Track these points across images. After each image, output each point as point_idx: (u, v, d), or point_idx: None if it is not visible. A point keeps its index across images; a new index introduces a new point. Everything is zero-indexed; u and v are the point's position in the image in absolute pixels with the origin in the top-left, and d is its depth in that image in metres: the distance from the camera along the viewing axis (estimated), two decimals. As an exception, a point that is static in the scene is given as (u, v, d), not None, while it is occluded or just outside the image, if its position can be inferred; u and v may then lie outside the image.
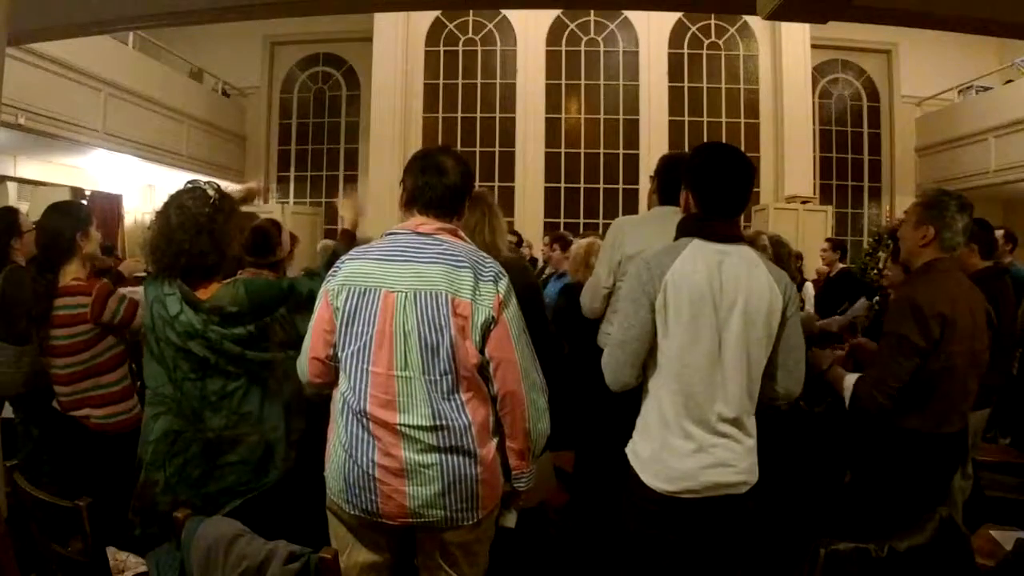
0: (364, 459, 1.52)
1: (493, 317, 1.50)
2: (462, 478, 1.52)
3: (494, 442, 1.58)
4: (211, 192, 1.89)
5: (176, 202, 1.85)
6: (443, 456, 1.51)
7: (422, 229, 1.58)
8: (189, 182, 1.94)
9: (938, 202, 2.09)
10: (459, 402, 1.52)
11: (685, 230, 1.70)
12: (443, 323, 1.49)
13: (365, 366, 1.53)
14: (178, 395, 1.78)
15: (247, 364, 1.80)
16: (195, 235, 1.79)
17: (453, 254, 1.53)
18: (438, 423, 1.50)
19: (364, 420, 1.53)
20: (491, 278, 1.53)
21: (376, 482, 1.52)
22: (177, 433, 1.78)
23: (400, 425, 1.51)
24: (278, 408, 1.87)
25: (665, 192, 2.57)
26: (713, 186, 1.67)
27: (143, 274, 2.80)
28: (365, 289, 1.54)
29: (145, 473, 1.79)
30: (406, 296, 1.50)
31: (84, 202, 2.37)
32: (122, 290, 2.47)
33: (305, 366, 1.64)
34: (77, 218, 2.40)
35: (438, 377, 1.50)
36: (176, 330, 1.76)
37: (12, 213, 3.01)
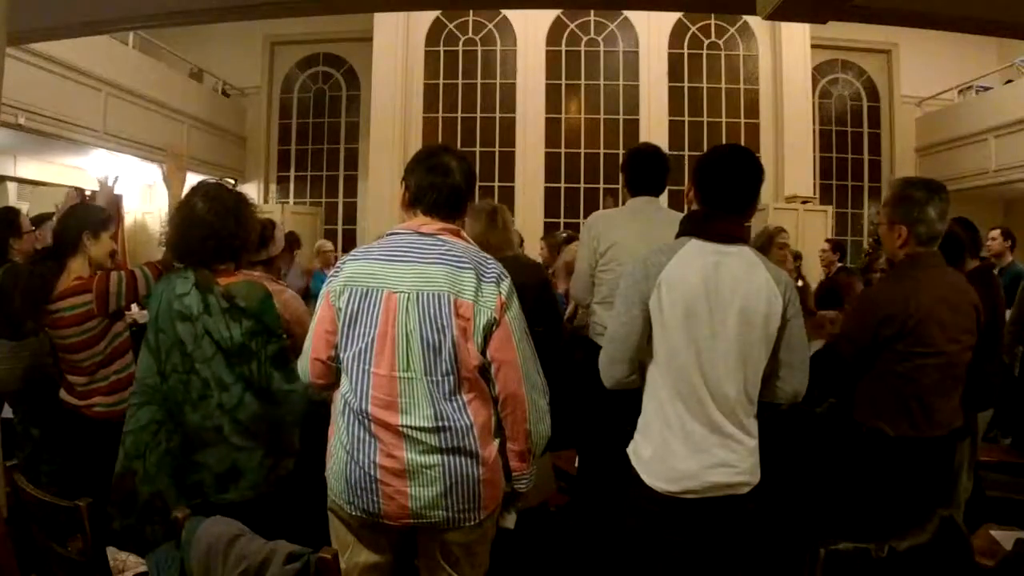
0: (365, 460, 1.52)
1: (495, 319, 1.50)
2: (464, 479, 1.52)
3: (496, 443, 1.58)
4: (230, 185, 2.02)
5: (201, 191, 1.92)
6: (445, 457, 1.51)
7: (424, 229, 1.58)
8: (200, 183, 2.00)
9: (903, 198, 2.03)
10: (461, 403, 1.52)
11: (685, 228, 1.69)
12: (445, 324, 1.49)
13: (367, 367, 1.53)
14: (164, 387, 1.80)
15: (213, 373, 1.79)
16: (223, 217, 1.86)
17: (455, 255, 1.53)
18: (440, 424, 1.50)
19: (365, 421, 1.53)
20: (493, 279, 1.52)
21: (378, 483, 1.52)
22: (160, 423, 1.80)
23: (402, 426, 1.51)
24: (255, 439, 1.84)
25: (633, 184, 2.70)
26: (717, 179, 1.66)
27: None
28: (367, 290, 1.54)
29: (123, 463, 1.81)
30: (408, 297, 1.50)
31: (105, 208, 2.44)
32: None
33: (307, 367, 1.64)
34: (88, 220, 2.48)
35: (440, 378, 1.50)
36: (175, 309, 1.79)
37: (13, 213, 3.04)
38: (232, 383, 1.80)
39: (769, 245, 3.53)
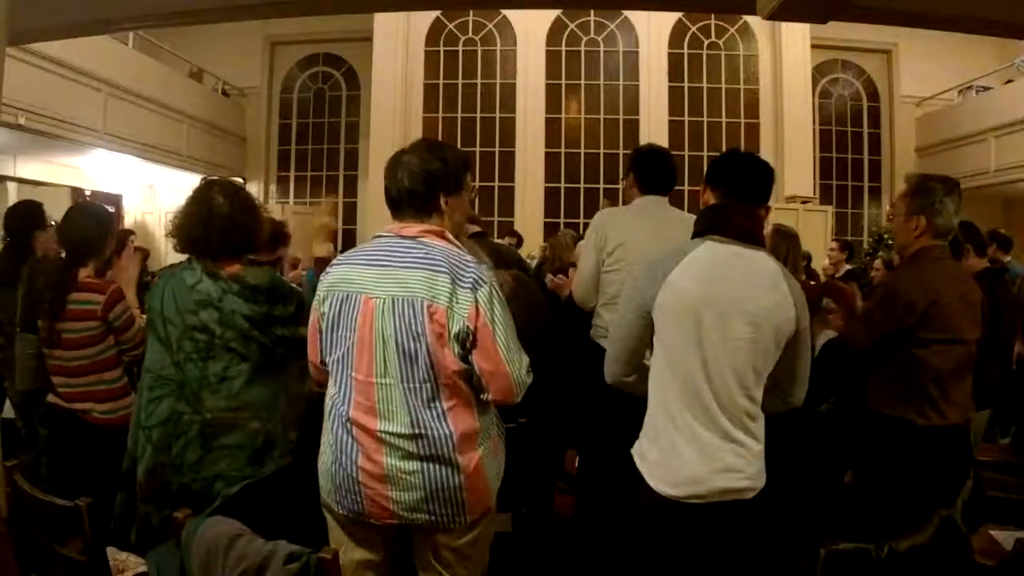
0: (349, 463, 1.53)
1: (468, 328, 1.48)
2: (444, 487, 1.51)
3: (479, 450, 1.55)
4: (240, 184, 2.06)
5: (218, 187, 1.93)
6: (424, 464, 1.50)
7: (405, 232, 1.57)
8: (213, 179, 2.04)
9: (925, 189, 2.09)
10: (440, 410, 1.51)
11: (702, 226, 1.66)
12: (420, 331, 1.48)
13: (349, 372, 1.54)
14: (180, 376, 1.79)
15: (251, 345, 1.80)
16: (243, 213, 1.89)
17: (433, 259, 1.51)
18: (417, 431, 1.50)
19: (348, 425, 1.54)
20: (469, 285, 1.49)
21: (360, 485, 1.52)
22: (179, 415, 1.79)
23: (380, 432, 1.51)
24: (283, 403, 1.88)
25: (645, 182, 2.64)
26: (738, 168, 1.69)
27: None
28: (347, 295, 1.54)
29: (153, 457, 1.79)
30: (384, 303, 1.50)
31: (111, 208, 2.54)
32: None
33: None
34: (108, 223, 2.61)
35: (417, 385, 1.50)
36: (192, 299, 1.79)
37: (39, 207, 3.06)
38: (274, 344, 1.83)
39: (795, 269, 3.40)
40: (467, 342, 1.49)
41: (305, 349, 1.72)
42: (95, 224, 2.53)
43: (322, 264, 2.37)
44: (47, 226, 2.98)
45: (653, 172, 2.64)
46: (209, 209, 1.86)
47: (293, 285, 2.04)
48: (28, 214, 3.00)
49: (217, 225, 1.84)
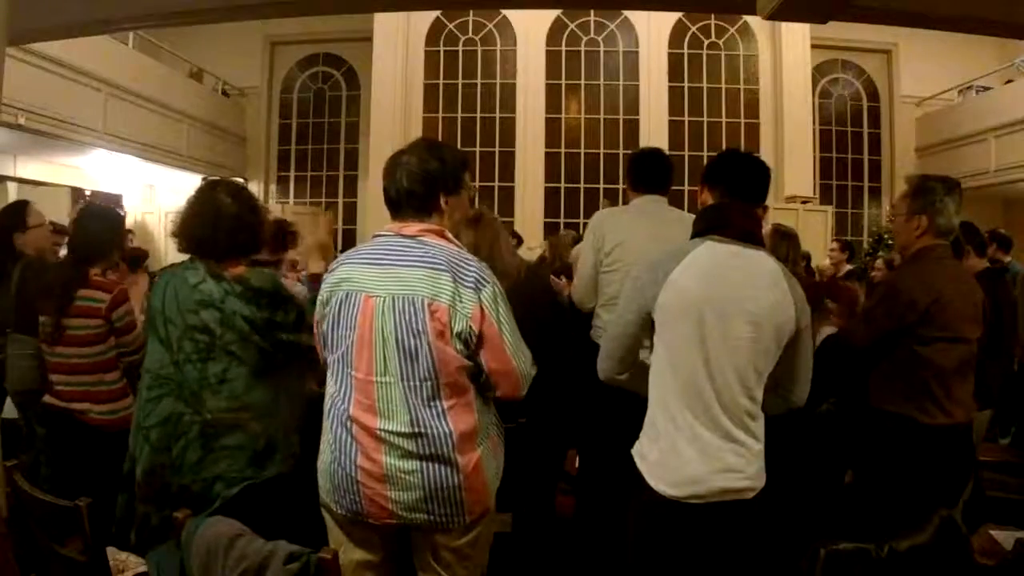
0: (348, 462, 1.53)
1: (472, 328, 1.49)
2: (443, 487, 1.51)
3: (479, 450, 1.56)
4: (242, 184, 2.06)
5: (220, 186, 1.94)
6: (423, 463, 1.50)
7: (405, 231, 1.57)
8: (216, 179, 2.05)
9: (925, 189, 2.10)
10: (440, 409, 1.51)
11: (702, 226, 1.67)
12: (420, 328, 1.48)
13: (349, 370, 1.54)
14: (180, 376, 1.78)
15: (249, 348, 1.79)
16: (250, 213, 1.90)
17: (434, 257, 1.52)
18: (417, 430, 1.50)
19: (348, 424, 1.54)
20: (472, 284, 1.50)
21: (359, 485, 1.52)
22: (179, 415, 1.78)
23: (380, 430, 1.51)
24: (288, 407, 1.88)
25: (642, 181, 2.66)
26: (736, 167, 1.70)
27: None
28: (348, 294, 1.55)
29: (151, 458, 1.78)
30: (384, 301, 1.50)
31: (120, 210, 2.52)
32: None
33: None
34: (118, 227, 2.69)
35: (418, 383, 1.50)
36: (194, 299, 1.78)
37: (20, 207, 3.04)
38: (275, 350, 1.82)
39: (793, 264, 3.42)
40: (470, 341, 1.50)
41: (305, 353, 1.72)
42: (104, 228, 2.55)
43: (317, 279, 2.37)
44: (27, 228, 2.95)
45: (648, 171, 2.65)
46: (216, 209, 1.85)
47: (292, 291, 2.04)
48: (6, 214, 3.00)
49: (225, 225, 1.84)
